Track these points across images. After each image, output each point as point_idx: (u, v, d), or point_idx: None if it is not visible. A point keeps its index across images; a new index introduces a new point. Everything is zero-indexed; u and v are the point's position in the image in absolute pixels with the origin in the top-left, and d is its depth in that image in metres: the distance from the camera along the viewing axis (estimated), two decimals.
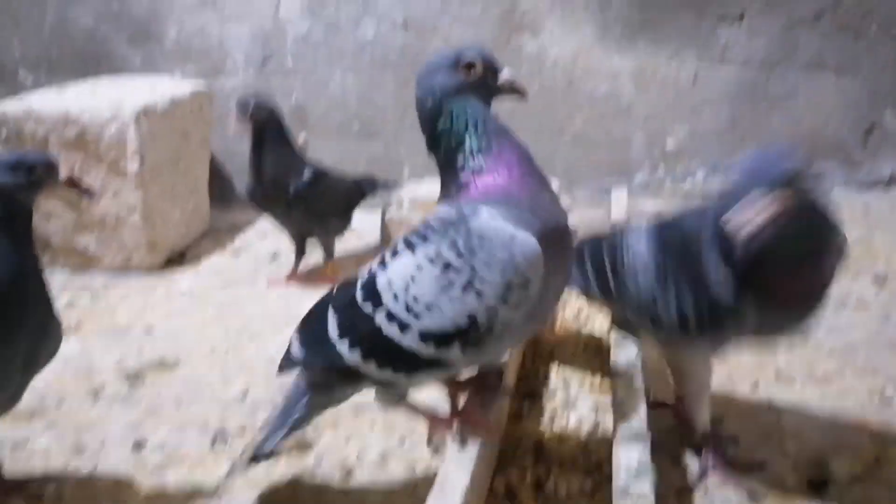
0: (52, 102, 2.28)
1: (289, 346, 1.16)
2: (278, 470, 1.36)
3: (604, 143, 2.86)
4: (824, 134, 2.79)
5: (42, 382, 1.68)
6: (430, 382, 1.10)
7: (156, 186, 2.31)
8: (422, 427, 1.41)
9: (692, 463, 1.31)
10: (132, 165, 2.22)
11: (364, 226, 2.67)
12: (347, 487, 1.31)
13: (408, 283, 0.99)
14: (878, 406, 1.49)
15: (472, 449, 1.03)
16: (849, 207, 2.66)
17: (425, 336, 0.98)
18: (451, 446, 1.02)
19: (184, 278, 2.30)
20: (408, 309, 0.99)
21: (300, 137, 2.90)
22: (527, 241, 0.95)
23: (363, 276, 1.07)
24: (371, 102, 2.87)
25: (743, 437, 1.39)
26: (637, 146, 2.87)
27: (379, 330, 1.01)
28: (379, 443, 1.43)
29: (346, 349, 1.04)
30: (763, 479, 1.27)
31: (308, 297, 2.04)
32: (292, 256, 2.26)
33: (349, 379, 1.08)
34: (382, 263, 1.04)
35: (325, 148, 2.89)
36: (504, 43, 2.77)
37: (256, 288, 2.22)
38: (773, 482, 1.26)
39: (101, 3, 2.91)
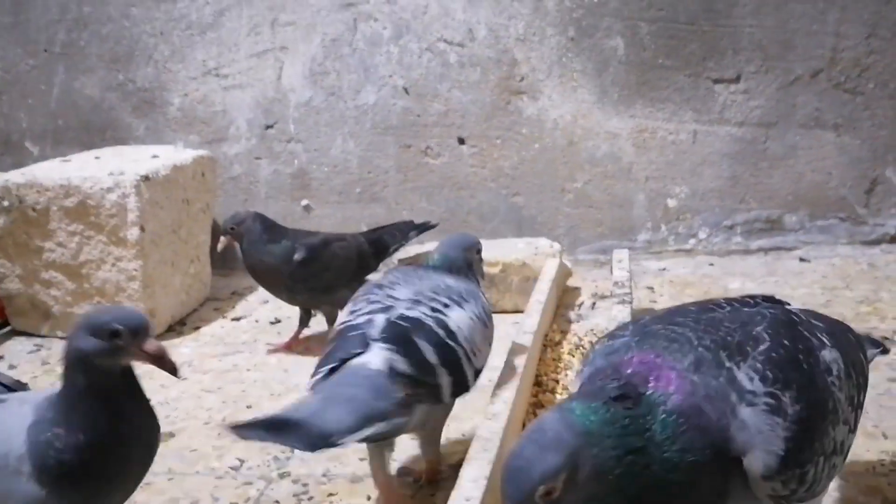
0: (54, 172, 2.30)
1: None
2: None
3: (605, 203, 2.86)
4: (826, 191, 2.79)
5: None
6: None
7: (156, 254, 2.31)
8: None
9: None
10: (132, 234, 2.23)
11: None
12: None
13: (470, 330, 1.32)
14: (889, 471, 1.44)
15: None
16: (854, 265, 2.64)
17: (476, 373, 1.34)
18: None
19: (183, 346, 2.28)
20: (472, 350, 1.32)
21: (302, 203, 2.92)
22: None
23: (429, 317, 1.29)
24: (373, 166, 2.90)
25: None
26: (639, 206, 2.87)
27: (459, 359, 1.29)
28: None
29: (442, 371, 1.26)
30: None
31: (306, 365, 2.03)
32: (294, 322, 2.25)
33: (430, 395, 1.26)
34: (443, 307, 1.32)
35: (327, 213, 2.91)
36: (504, 105, 2.80)
37: (256, 355, 2.20)
38: None
39: (106, 73, 2.97)
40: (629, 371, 0.82)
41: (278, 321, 2.42)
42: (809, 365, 0.87)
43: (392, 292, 1.34)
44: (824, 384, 0.87)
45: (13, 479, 0.99)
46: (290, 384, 1.97)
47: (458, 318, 1.31)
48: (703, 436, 0.78)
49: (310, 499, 1.46)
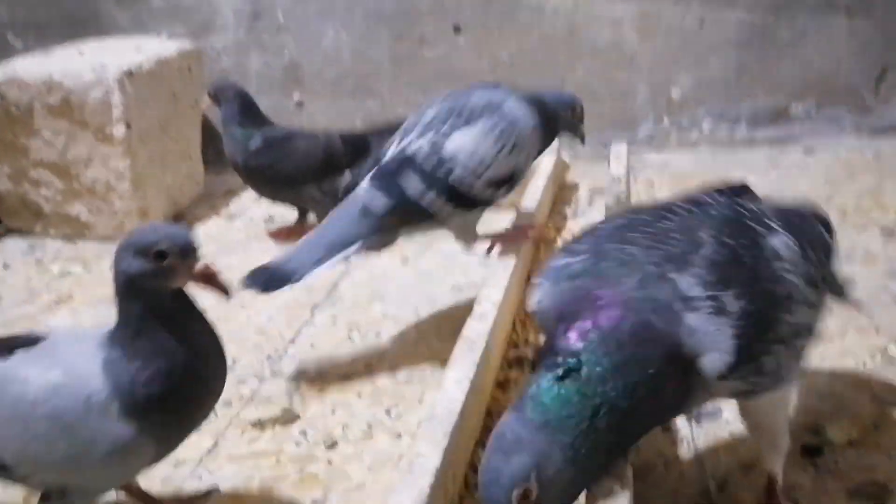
0: (36, 67, 2.23)
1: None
2: (261, 444, 1.34)
3: (606, 94, 2.77)
4: (835, 79, 2.69)
5: None
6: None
7: (145, 152, 2.27)
8: None
9: None
10: (118, 131, 2.17)
11: None
12: (332, 460, 1.29)
13: (474, 149, 1.46)
14: (880, 366, 1.44)
15: (448, 422, 1.00)
16: (859, 156, 2.58)
17: (489, 182, 1.48)
18: (424, 424, 0.99)
19: None
20: (477, 168, 1.47)
21: (294, 98, 2.84)
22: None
23: (425, 149, 1.49)
24: (365, 58, 2.80)
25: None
26: (641, 97, 2.79)
27: (451, 184, 1.46)
28: (365, 414, 1.41)
29: (429, 198, 1.46)
30: (756, 445, 1.23)
31: None
32: (287, 221, 2.23)
33: (419, 221, 1.51)
34: (436, 134, 1.48)
35: (320, 108, 2.83)
36: None
37: (251, 254, 2.18)
38: None
39: None
40: (569, 330, 0.82)
41: (272, 219, 2.39)
42: (753, 258, 0.88)
43: (424, 112, 1.56)
44: (771, 273, 0.88)
45: (100, 422, 0.93)
46: None
47: (460, 141, 1.47)
48: (655, 346, 0.81)
49: (302, 396, 1.48)
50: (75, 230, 2.31)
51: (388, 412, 1.41)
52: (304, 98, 2.85)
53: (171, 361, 0.94)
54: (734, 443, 1.25)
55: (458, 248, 2.02)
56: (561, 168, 2.39)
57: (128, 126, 2.18)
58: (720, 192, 1.05)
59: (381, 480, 1.22)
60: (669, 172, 2.59)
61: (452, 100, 1.55)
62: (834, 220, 1.91)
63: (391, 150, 1.55)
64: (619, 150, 2.20)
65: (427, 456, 0.92)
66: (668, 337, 0.81)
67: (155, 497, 1.17)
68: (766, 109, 2.77)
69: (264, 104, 2.80)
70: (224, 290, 0.95)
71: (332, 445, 1.32)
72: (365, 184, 1.52)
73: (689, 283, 0.83)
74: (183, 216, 2.47)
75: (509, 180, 1.53)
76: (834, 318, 1.59)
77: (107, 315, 1.87)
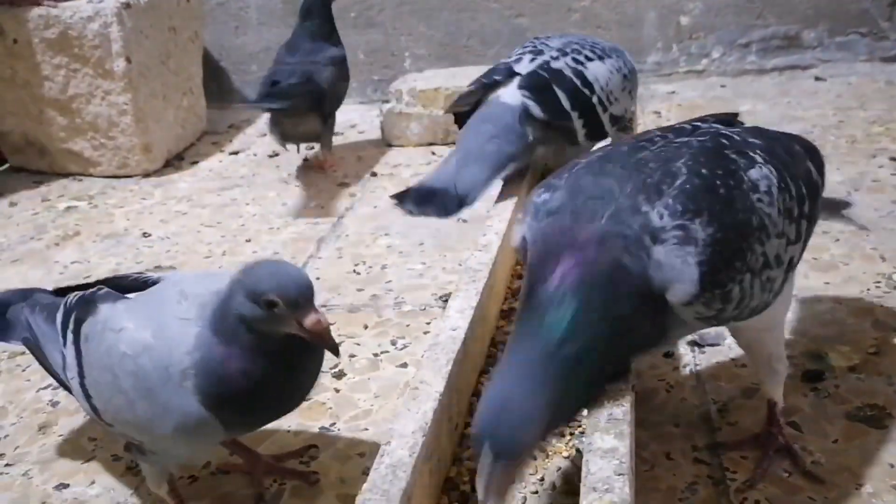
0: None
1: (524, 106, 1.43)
2: None
3: (614, 22, 2.72)
4: (848, 4, 2.63)
5: None
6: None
7: (146, 87, 2.25)
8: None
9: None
10: (118, 65, 2.15)
11: (364, 119, 2.62)
12: (339, 388, 1.31)
13: (607, 80, 1.47)
14: (883, 293, 1.44)
15: (450, 349, 1.00)
16: (870, 83, 2.54)
17: (611, 119, 1.48)
18: (427, 352, 1.00)
19: (181, 182, 2.27)
20: (608, 99, 1.47)
21: None
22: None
23: (570, 68, 1.45)
24: None
25: None
26: (649, 24, 2.73)
27: (593, 106, 1.45)
28: (371, 344, 1.42)
29: (575, 115, 1.43)
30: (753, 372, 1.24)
31: (303, 198, 2.02)
32: (291, 155, 2.23)
33: (562, 137, 1.47)
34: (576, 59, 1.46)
35: None
36: None
37: (254, 189, 2.18)
38: None
39: None
40: (549, 273, 0.83)
41: (276, 154, 2.38)
42: (728, 188, 0.87)
43: (546, 41, 1.53)
44: (746, 203, 0.87)
45: (176, 393, 0.90)
46: (288, 218, 1.97)
47: (597, 69, 1.46)
48: (628, 286, 0.81)
49: None
50: (80, 166, 2.31)
51: (393, 343, 1.42)
52: None
53: (263, 373, 0.89)
54: (736, 368, 1.26)
55: None
56: None
57: (128, 60, 2.16)
58: (704, 121, 1.03)
59: (388, 407, 1.25)
60: (677, 102, 2.55)
61: (572, 37, 1.55)
62: (843, 147, 1.90)
63: (525, 64, 1.47)
64: None
65: (430, 383, 0.93)
66: (639, 276, 0.81)
67: (253, 450, 1.15)
68: (777, 36, 2.71)
69: (267, 36, 2.78)
70: (334, 349, 0.89)
71: (340, 375, 1.34)
72: (512, 92, 1.44)
73: (659, 213, 0.83)
74: (187, 152, 2.46)
75: (620, 120, 1.54)
76: (839, 244, 1.60)
77: (114, 249, 1.87)
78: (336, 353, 0.89)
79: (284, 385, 0.94)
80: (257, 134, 2.58)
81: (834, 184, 1.75)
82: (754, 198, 0.88)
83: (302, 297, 0.86)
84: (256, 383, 0.90)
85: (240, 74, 2.85)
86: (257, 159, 2.39)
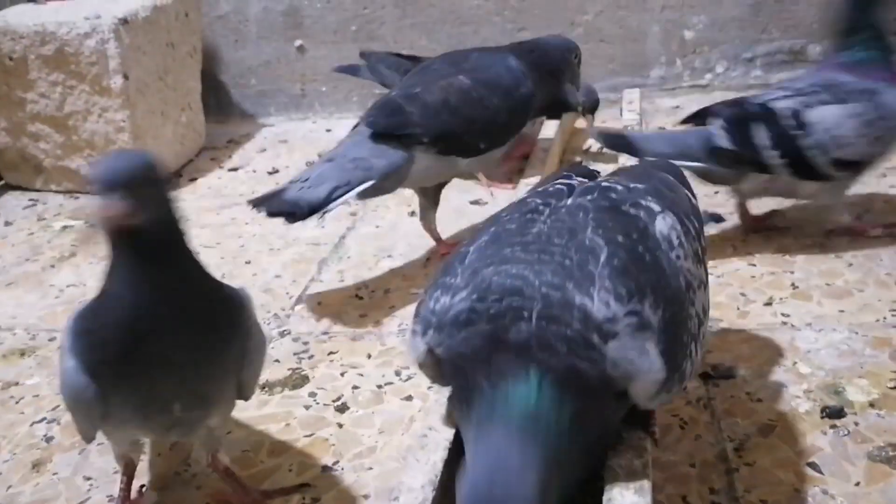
0: (27, 17, 2.16)
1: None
2: (270, 407, 1.32)
3: (617, 36, 2.69)
4: None
5: (34, 318, 1.67)
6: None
7: (143, 103, 2.21)
8: None
9: None
10: (115, 82, 2.12)
11: None
12: (342, 423, 1.27)
13: (837, 124, 1.52)
14: None
15: None
16: None
17: (835, 162, 1.54)
18: (435, 396, 0.96)
19: (180, 200, 2.22)
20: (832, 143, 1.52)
21: (295, 44, 2.76)
22: None
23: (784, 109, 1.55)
24: (368, 1, 2.71)
25: (755, 359, 1.33)
26: (653, 39, 2.70)
27: (800, 147, 1.52)
28: (375, 375, 1.39)
29: (772, 153, 1.53)
30: (774, 407, 1.21)
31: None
32: (292, 172, 2.20)
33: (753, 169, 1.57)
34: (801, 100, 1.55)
35: (322, 54, 2.75)
36: None
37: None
38: (785, 410, 1.20)
39: None
40: (496, 387, 0.71)
41: (276, 171, 2.34)
42: (650, 251, 0.77)
43: (794, 82, 1.66)
44: (670, 265, 0.78)
45: (64, 359, 0.88)
46: (289, 238, 1.93)
47: (826, 113, 1.53)
48: (588, 396, 0.71)
49: (310, 357, 1.46)
50: (77, 184, 2.27)
51: (397, 373, 1.38)
52: (306, 43, 2.76)
53: (127, 312, 0.82)
54: (752, 403, 1.22)
55: (463, 198, 1.98)
56: (571, 115, 2.32)
57: (125, 77, 2.12)
58: (568, 178, 0.93)
59: (392, 444, 1.21)
60: (682, 118, 2.51)
61: (826, 73, 1.63)
62: None
63: (763, 98, 1.62)
64: (631, 96, 2.14)
65: (438, 430, 0.89)
66: (598, 379, 0.72)
67: (246, 484, 1.10)
68: (782, 50, 2.68)
69: (266, 50, 2.74)
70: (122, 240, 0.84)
71: (343, 409, 1.30)
72: (719, 123, 1.59)
73: (601, 301, 0.72)
74: (185, 169, 2.42)
75: (857, 165, 1.59)
76: (853, 269, 1.57)
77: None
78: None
79: (155, 325, 0.83)
80: (256, 150, 2.54)
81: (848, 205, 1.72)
82: (672, 256, 0.80)
83: (107, 181, 0.75)
84: (117, 321, 0.82)
85: (238, 88, 2.81)
86: (257, 176, 2.35)
